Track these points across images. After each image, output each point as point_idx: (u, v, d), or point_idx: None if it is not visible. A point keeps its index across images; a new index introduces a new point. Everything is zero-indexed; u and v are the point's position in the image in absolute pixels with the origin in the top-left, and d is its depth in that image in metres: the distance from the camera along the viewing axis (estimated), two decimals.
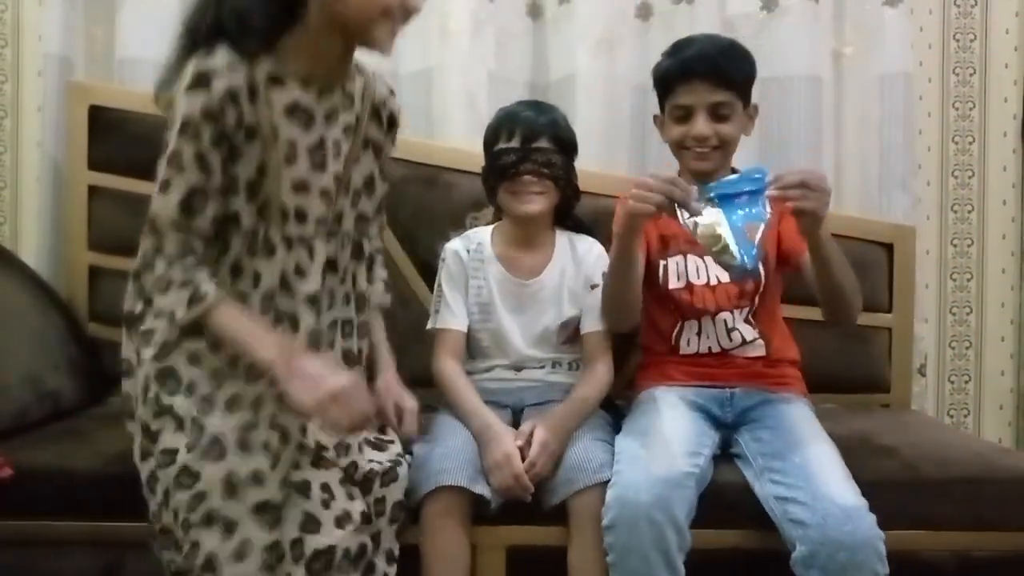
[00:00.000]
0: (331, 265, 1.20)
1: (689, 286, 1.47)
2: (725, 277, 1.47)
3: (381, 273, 1.39)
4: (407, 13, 1.11)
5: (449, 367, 1.45)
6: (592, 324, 1.49)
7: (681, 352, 1.49)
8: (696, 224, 1.22)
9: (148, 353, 1.11)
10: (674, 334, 1.50)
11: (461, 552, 1.28)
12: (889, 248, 1.88)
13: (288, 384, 1.03)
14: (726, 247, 1.20)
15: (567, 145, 1.49)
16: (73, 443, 1.43)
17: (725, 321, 1.47)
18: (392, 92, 1.31)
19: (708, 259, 1.46)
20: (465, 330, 1.48)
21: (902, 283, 1.89)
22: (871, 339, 1.87)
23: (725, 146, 1.46)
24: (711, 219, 1.21)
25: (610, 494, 1.21)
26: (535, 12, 2.01)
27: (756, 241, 1.20)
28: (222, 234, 1.14)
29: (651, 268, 1.48)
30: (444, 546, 1.26)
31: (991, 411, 2.08)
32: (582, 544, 1.25)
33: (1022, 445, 2.05)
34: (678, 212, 1.26)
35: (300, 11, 1.10)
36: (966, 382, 2.08)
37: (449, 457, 1.27)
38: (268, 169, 1.12)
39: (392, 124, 1.29)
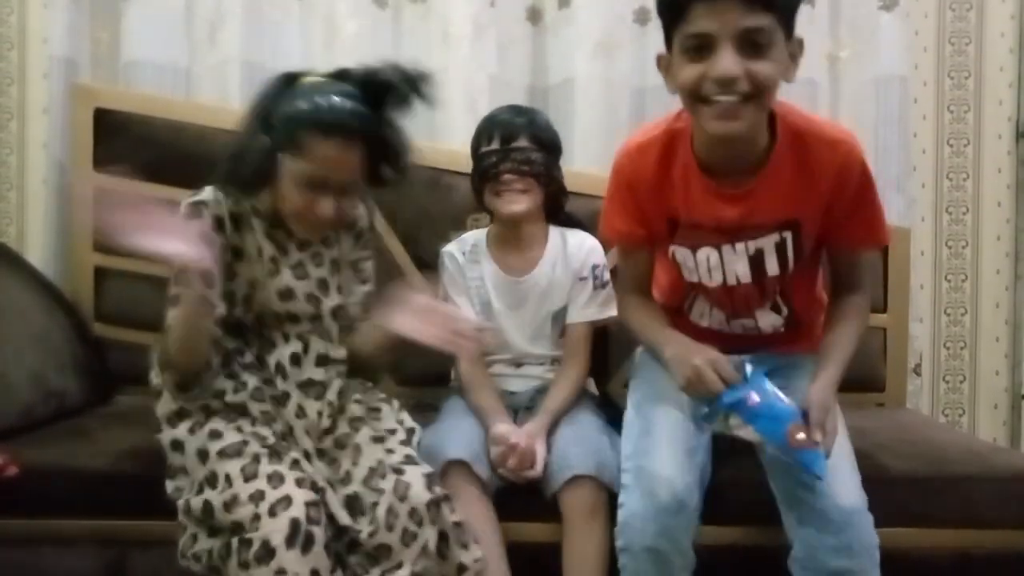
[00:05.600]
0: (323, 359, 1.31)
1: (700, 285, 1.31)
2: (745, 277, 1.26)
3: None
4: (328, 221, 1.24)
5: (463, 367, 1.48)
6: (577, 315, 1.50)
7: (691, 319, 1.38)
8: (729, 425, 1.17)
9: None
10: (686, 304, 1.39)
11: (488, 518, 1.27)
12: (884, 249, 1.88)
13: None
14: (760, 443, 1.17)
15: (546, 143, 1.49)
16: (78, 442, 1.44)
17: (743, 324, 1.36)
18: (364, 206, 1.38)
19: (725, 255, 1.26)
20: None
21: (897, 284, 1.90)
22: (866, 338, 1.83)
23: (761, 94, 1.05)
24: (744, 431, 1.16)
25: (621, 515, 1.18)
26: (535, 17, 2.03)
27: (798, 445, 1.12)
28: (238, 336, 1.29)
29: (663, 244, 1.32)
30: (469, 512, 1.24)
31: (986, 411, 2.10)
32: (573, 538, 1.26)
33: (1017, 445, 2.06)
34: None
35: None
36: (961, 382, 2.09)
37: (453, 438, 1.31)
38: (257, 283, 1.27)
39: (360, 237, 1.39)
